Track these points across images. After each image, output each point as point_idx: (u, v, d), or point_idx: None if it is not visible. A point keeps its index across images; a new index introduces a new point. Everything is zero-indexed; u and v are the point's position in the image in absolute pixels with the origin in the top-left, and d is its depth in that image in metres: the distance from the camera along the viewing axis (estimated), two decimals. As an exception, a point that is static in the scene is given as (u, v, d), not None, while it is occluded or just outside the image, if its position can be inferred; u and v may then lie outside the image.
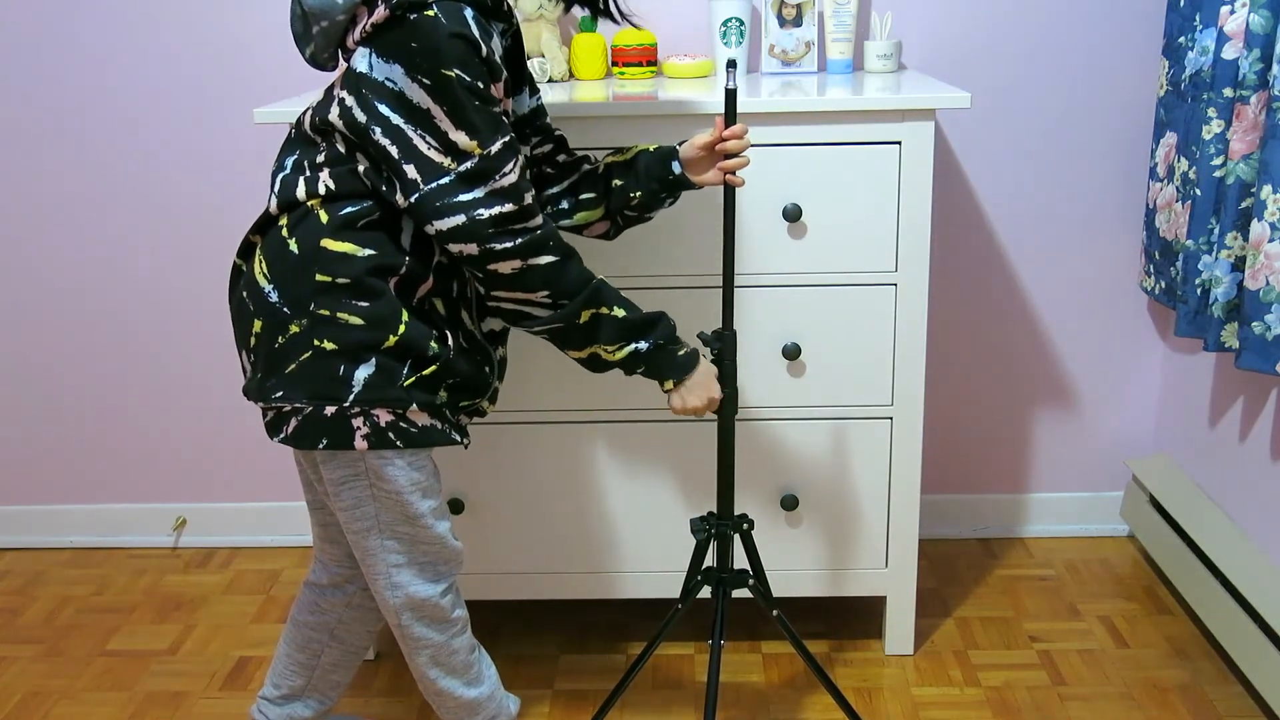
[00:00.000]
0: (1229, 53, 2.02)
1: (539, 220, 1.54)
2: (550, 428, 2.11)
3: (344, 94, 1.53)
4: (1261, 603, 2.00)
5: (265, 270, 1.58)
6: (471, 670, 1.77)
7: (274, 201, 1.59)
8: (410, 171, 1.49)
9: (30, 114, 2.49)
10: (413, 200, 1.50)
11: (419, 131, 1.48)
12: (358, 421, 1.55)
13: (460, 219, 1.49)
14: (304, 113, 1.62)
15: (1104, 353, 2.58)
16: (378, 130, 1.49)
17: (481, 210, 1.49)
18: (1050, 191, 2.48)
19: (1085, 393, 2.60)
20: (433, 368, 1.57)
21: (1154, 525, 2.44)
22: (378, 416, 1.56)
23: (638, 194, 1.76)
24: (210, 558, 2.70)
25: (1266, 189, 1.89)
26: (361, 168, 1.54)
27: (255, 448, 2.67)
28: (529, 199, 1.53)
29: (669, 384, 1.71)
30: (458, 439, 1.65)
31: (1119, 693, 2.13)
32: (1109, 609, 2.39)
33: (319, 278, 1.54)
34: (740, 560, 1.92)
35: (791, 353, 2.04)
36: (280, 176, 1.60)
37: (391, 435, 1.57)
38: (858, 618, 2.36)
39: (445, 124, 1.48)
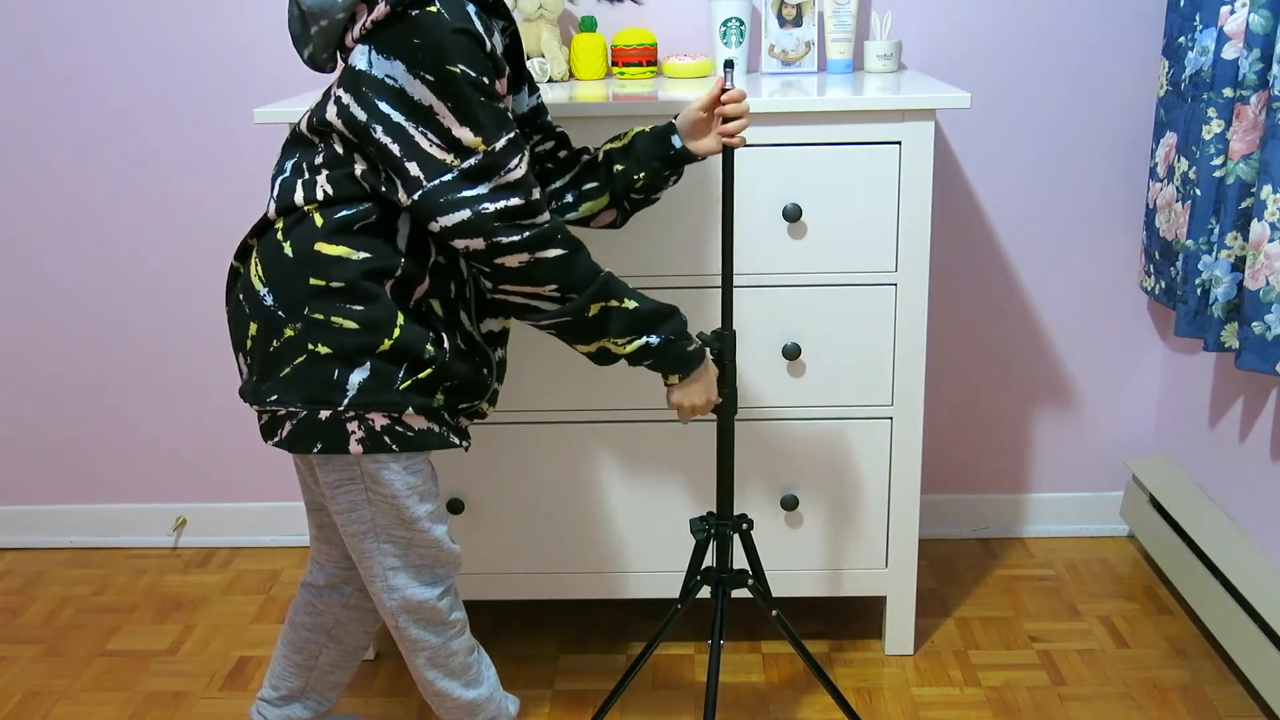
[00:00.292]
0: (1229, 53, 2.02)
1: (546, 214, 1.53)
2: (550, 428, 2.11)
3: (341, 92, 1.52)
4: (1261, 603, 2.00)
5: (261, 273, 1.57)
6: (470, 671, 1.77)
7: (272, 205, 1.59)
8: (413, 169, 1.48)
9: (30, 114, 2.49)
10: (415, 197, 1.48)
11: (420, 129, 1.47)
12: (353, 425, 1.55)
13: (465, 214, 1.48)
14: (303, 115, 1.62)
15: (1104, 353, 2.58)
16: (378, 129, 1.48)
17: (487, 205, 1.48)
18: (1050, 191, 2.48)
19: (1085, 393, 2.60)
20: (428, 371, 1.57)
21: (1154, 525, 2.43)
22: (373, 420, 1.55)
23: (641, 175, 1.76)
24: (210, 558, 2.70)
25: (1266, 189, 1.89)
26: (359, 169, 1.53)
27: (255, 448, 2.67)
28: (535, 193, 1.52)
29: (674, 378, 1.71)
30: (456, 442, 1.64)
31: (1119, 693, 2.13)
32: (1109, 609, 2.39)
33: (313, 281, 1.53)
34: (740, 560, 1.91)
35: (791, 353, 2.04)
36: (279, 180, 1.60)
37: (387, 439, 1.56)
38: (858, 618, 2.36)
39: (449, 120, 1.47)
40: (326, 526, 1.78)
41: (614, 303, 1.60)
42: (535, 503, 2.15)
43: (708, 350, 1.74)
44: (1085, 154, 2.45)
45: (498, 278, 1.55)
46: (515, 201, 1.49)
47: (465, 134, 1.47)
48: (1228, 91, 2.03)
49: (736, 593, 1.89)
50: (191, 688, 2.21)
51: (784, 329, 2.05)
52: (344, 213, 1.54)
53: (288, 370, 1.55)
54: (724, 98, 1.69)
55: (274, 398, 1.56)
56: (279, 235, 1.57)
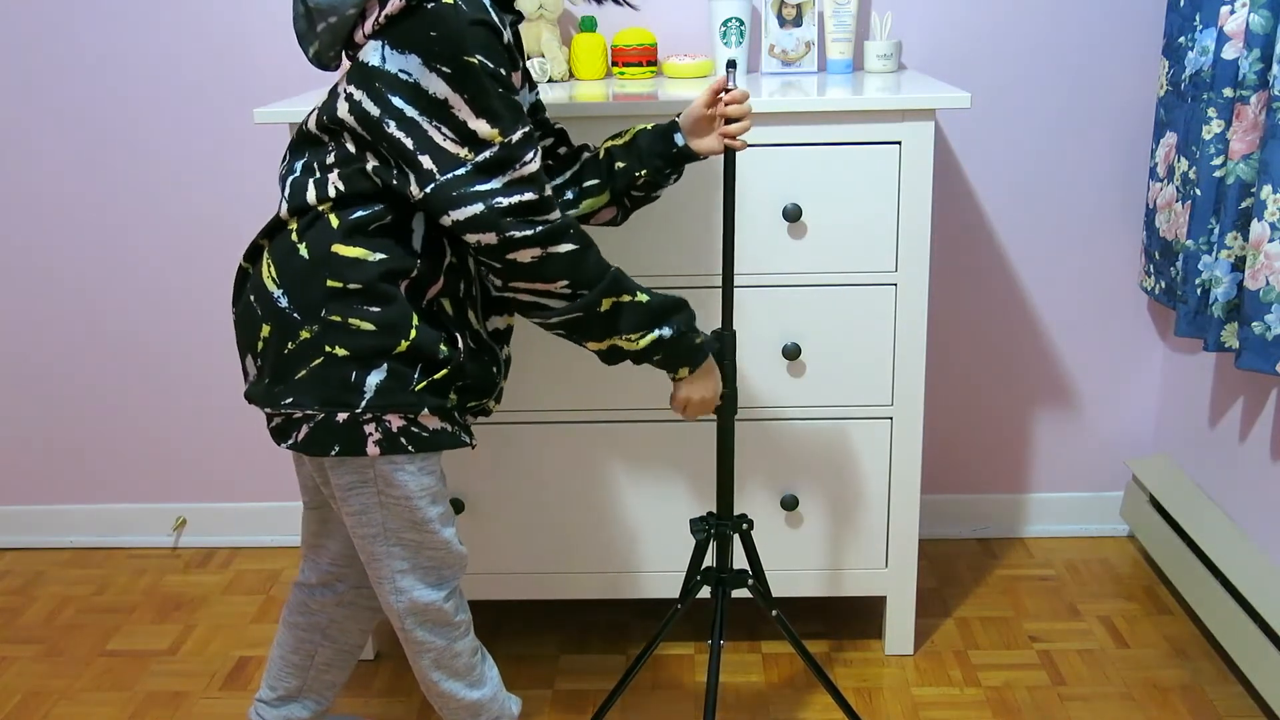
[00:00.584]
0: (1229, 53, 2.02)
1: (557, 210, 1.53)
2: (550, 428, 2.11)
3: (352, 89, 1.51)
4: (1261, 603, 2.00)
5: (274, 275, 1.56)
6: (474, 672, 1.77)
7: (284, 206, 1.58)
8: (425, 162, 1.47)
9: (30, 114, 2.49)
10: (428, 191, 1.47)
11: (434, 123, 1.46)
12: (370, 427, 1.54)
13: (479, 208, 1.47)
14: (309, 114, 1.61)
15: (1104, 353, 2.57)
16: (391, 123, 1.47)
17: (500, 199, 1.47)
18: (1050, 191, 2.48)
19: (1085, 393, 2.60)
20: (444, 371, 1.57)
21: (1154, 525, 2.43)
22: (389, 422, 1.55)
23: (642, 173, 1.76)
24: (210, 558, 2.70)
25: (1266, 189, 1.89)
26: (371, 166, 1.52)
27: (255, 448, 2.67)
28: (548, 189, 1.51)
29: (684, 372, 1.70)
30: (466, 440, 1.64)
31: (1119, 693, 2.13)
32: (1109, 609, 2.39)
33: (330, 283, 1.52)
34: (740, 560, 1.91)
35: (791, 353, 2.04)
36: (290, 180, 1.59)
37: (403, 440, 1.56)
38: (858, 618, 2.36)
39: (465, 113, 1.46)
40: (329, 523, 1.77)
41: (625, 298, 1.59)
42: (535, 503, 2.15)
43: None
44: (1085, 154, 2.45)
45: (509, 274, 1.54)
46: (529, 196, 1.49)
47: (481, 125, 1.46)
48: (1228, 91, 2.03)
49: (736, 593, 1.89)
50: (191, 688, 2.21)
51: (784, 329, 2.05)
52: (359, 213, 1.53)
53: (303, 373, 1.54)
54: (726, 99, 1.69)
55: (289, 400, 1.55)
56: (293, 236, 1.56)
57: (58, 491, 2.74)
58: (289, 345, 1.54)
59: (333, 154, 1.55)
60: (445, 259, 1.58)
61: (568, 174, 1.81)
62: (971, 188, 2.48)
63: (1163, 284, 2.33)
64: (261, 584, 2.58)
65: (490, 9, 1.47)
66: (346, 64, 1.59)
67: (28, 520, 2.75)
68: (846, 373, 2.07)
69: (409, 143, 1.47)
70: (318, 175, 1.56)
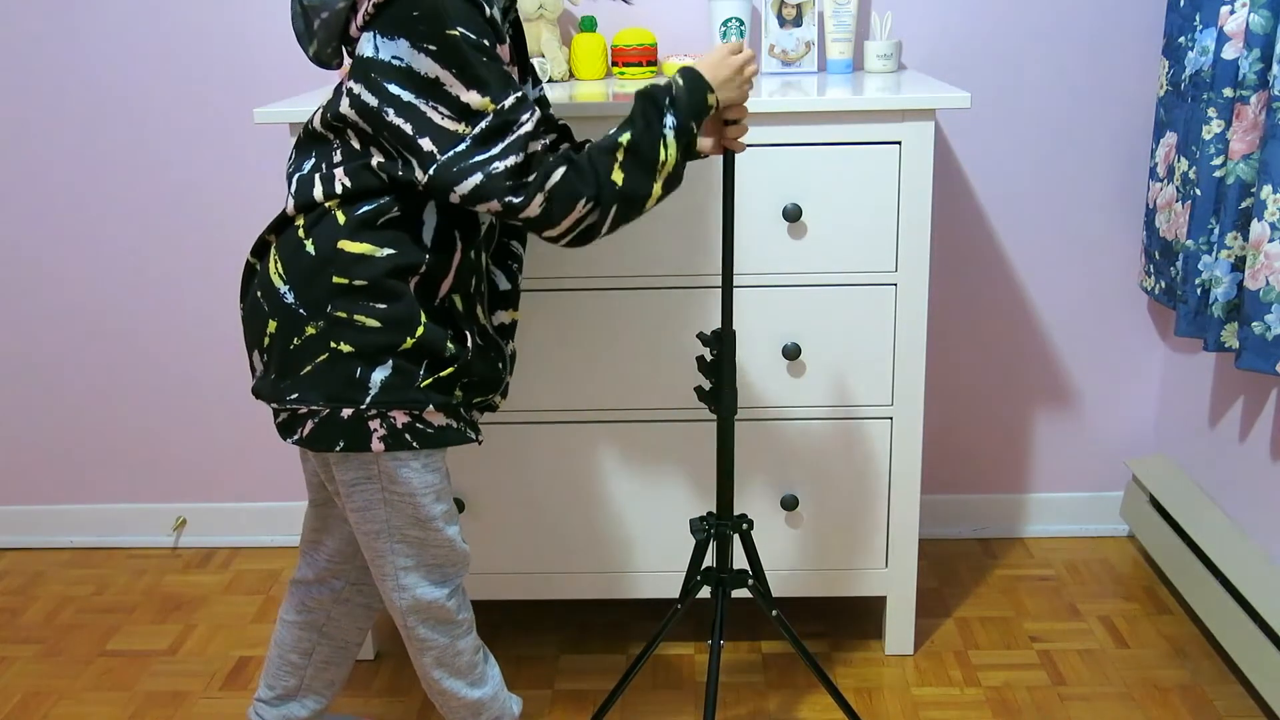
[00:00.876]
0: (1229, 53, 2.02)
1: (548, 157, 1.51)
2: (550, 428, 2.11)
3: (352, 83, 1.51)
4: (1261, 603, 2.00)
5: (280, 271, 1.57)
6: (476, 671, 1.77)
7: (291, 202, 1.58)
8: (426, 144, 1.47)
9: (30, 114, 2.49)
10: (431, 172, 1.47)
11: (430, 103, 1.46)
12: (375, 424, 1.55)
13: (479, 178, 1.46)
14: (314, 113, 1.62)
15: (1104, 353, 2.57)
16: (390, 111, 1.47)
17: (497, 164, 1.46)
18: (1050, 191, 2.48)
19: (1085, 393, 2.60)
20: (450, 369, 1.57)
21: (1154, 525, 2.43)
22: (394, 418, 1.56)
23: None
24: (210, 558, 2.70)
25: (1266, 189, 1.89)
26: (376, 162, 1.52)
27: (255, 448, 2.67)
28: (534, 146, 1.49)
29: (712, 98, 1.60)
30: (473, 437, 1.65)
31: (1119, 693, 2.13)
32: (1109, 609, 2.39)
33: (336, 280, 1.53)
34: (740, 560, 1.91)
35: (791, 353, 2.04)
36: (296, 177, 1.59)
37: (408, 436, 1.57)
38: (857, 618, 2.35)
39: (456, 88, 1.46)
40: (331, 519, 1.78)
41: (619, 154, 1.54)
42: (535, 502, 2.15)
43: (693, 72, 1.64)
44: (1085, 154, 2.45)
45: (540, 228, 1.51)
46: (520, 158, 1.47)
47: (473, 97, 1.46)
48: (1228, 91, 2.03)
49: (736, 593, 1.89)
50: (191, 688, 2.21)
51: (784, 329, 2.05)
52: (366, 208, 1.53)
53: (309, 368, 1.54)
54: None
55: (294, 396, 1.55)
56: (300, 232, 1.56)
57: (58, 491, 2.74)
58: (295, 341, 1.55)
59: (338, 151, 1.56)
60: (456, 253, 1.58)
61: None
62: (971, 188, 2.48)
63: (1163, 284, 2.33)
64: (261, 584, 2.58)
65: None
66: (349, 62, 1.59)
67: (28, 520, 2.75)
68: (846, 373, 2.07)
69: (408, 128, 1.47)
70: (324, 172, 1.56)
